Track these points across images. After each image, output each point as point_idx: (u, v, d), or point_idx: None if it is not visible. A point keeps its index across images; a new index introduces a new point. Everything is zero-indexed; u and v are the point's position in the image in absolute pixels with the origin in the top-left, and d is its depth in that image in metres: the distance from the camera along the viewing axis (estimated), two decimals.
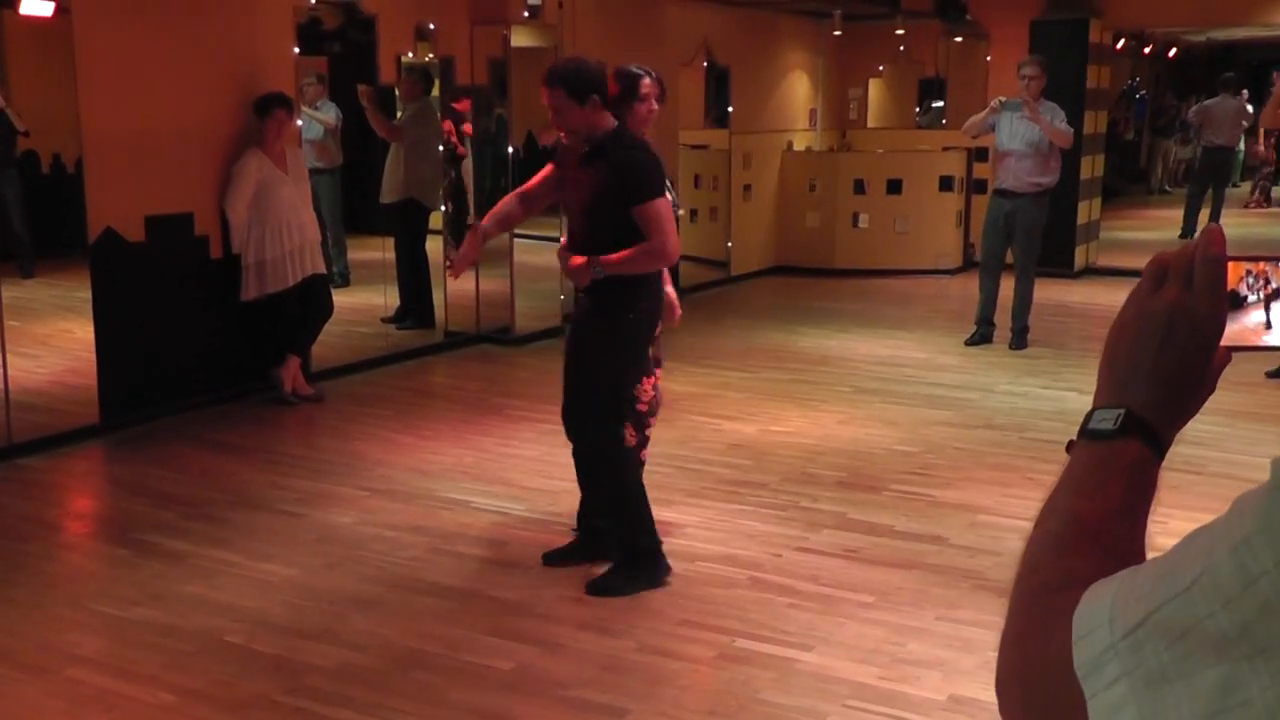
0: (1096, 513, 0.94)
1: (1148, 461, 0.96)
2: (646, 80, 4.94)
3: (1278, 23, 12.77)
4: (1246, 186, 19.32)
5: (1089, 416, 0.99)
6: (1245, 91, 18.58)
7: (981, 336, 8.95)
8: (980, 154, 11.99)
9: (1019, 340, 8.78)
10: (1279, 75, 17.13)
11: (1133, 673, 0.79)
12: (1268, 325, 1.02)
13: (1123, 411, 0.97)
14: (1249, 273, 1.02)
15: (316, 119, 8.84)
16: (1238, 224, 15.34)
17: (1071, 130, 8.47)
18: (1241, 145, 18.37)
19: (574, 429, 4.77)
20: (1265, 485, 0.77)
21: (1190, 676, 0.76)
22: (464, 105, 9.03)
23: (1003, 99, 8.53)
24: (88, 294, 6.64)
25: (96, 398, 6.67)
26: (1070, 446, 1.00)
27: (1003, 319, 8.91)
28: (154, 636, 4.29)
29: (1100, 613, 0.82)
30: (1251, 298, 1.02)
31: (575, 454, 4.84)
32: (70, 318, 6.86)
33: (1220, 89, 15.33)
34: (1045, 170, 8.49)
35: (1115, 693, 0.79)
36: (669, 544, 4.91)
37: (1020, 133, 8.44)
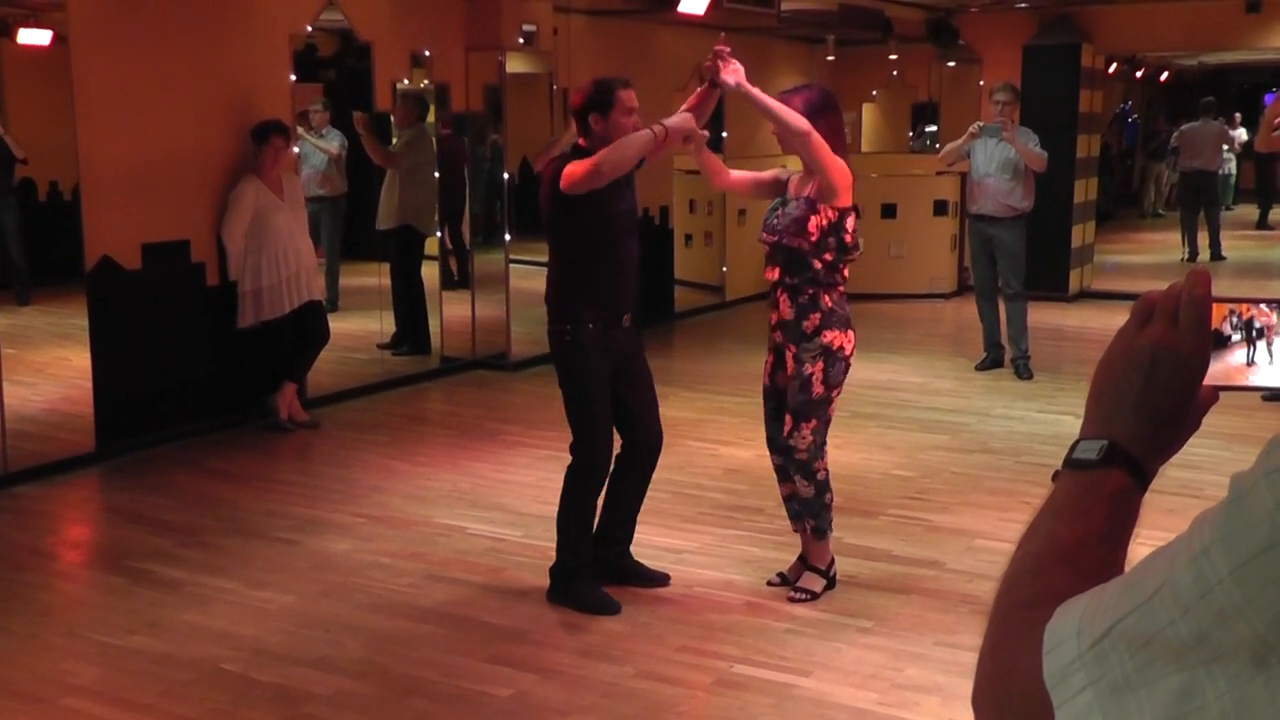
0: (1076, 538, 0.96)
1: (1129, 492, 0.98)
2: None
3: (1267, 47, 12.86)
4: (1239, 209, 19.33)
5: (1074, 447, 1.01)
6: (1238, 115, 18.64)
7: (993, 361, 8.94)
8: None
9: (1024, 369, 8.68)
10: (1270, 98, 17.21)
11: (1098, 682, 0.81)
12: (1250, 364, 1.04)
13: (1106, 443, 0.99)
14: (1232, 313, 1.03)
15: (321, 148, 8.85)
16: (1232, 248, 15.38)
17: (1046, 155, 8.50)
18: (1231, 169, 18.41)
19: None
20: (1224, 499, 0.80)
21: (1152, 684, 0.79)
22: None
23: (981, 124, 8.55)
24: (84, 321, 6.64)
25: (93, 425, 6.66)
26: (1056, 476, 1.02)
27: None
28: (150, 665, 4.28)
29: (1069, 626, 0.85)
30: (1235, 337, 1.04)
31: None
32: (67, 345, 6.86)
33: (1200, 113, 15.36)
34: (1021, 195, 8.52)
35: (1081, 701, 0.82)
36: (671, 570, 4.91)
37: (996, 157, 8.47)
